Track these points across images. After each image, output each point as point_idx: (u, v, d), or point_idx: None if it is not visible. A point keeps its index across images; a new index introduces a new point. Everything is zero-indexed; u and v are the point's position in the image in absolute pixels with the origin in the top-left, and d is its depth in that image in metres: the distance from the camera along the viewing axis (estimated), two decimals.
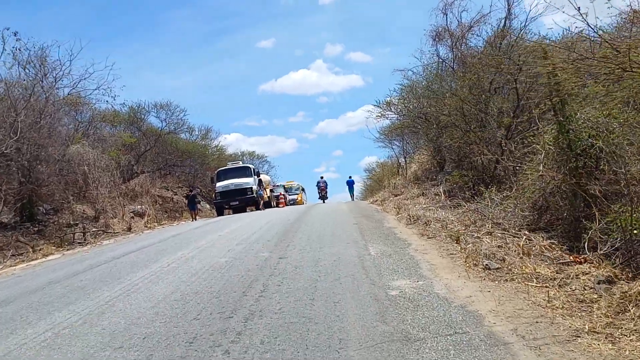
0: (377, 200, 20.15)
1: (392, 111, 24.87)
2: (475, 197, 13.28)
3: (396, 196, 19.14)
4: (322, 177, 38.36)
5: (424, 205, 14.66)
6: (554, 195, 9.60)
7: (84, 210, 22.21)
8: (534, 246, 8.04)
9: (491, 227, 9.93)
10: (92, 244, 16.36)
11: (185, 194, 28.40)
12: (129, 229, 20.33)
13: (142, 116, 31.91)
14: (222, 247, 9.81)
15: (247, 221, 15.97)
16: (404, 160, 34.18)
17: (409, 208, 13.95)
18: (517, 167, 11.90)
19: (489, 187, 13.25)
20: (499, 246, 8.14)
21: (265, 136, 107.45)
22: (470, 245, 7.85)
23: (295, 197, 42.41)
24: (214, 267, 7.59)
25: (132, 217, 25.27)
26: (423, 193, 17.45)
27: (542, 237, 8.77)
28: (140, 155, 31.79)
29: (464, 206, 12.69)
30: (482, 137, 13.90)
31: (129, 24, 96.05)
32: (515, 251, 7.84)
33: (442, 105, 17.09)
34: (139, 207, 26.36)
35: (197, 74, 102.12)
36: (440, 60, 20.06)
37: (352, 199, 37.52)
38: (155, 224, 23.71)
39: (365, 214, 14.71)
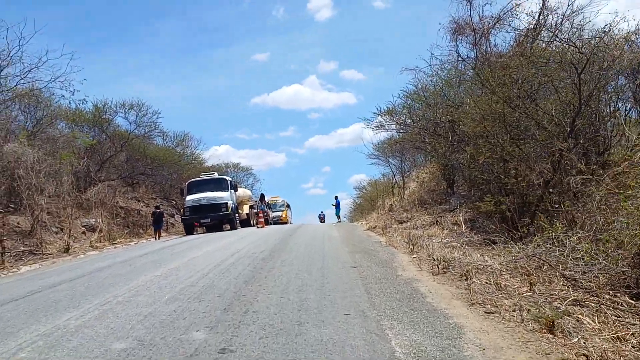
0: (376, 227, 16.42)
1: (393, 120, 21.32)
2: (518, 233, 9.68)
3: (401, 223, 15.47)
4: (322, 212, 43.98)
5: (444, 240, 11.03)
6: None
7: (18, 223, 18.27)
8: None
9: (564, 285, 6.38)
10: (5, 271, 12.44)
11: (152, 211, 24.53)
12: (67, 250, 16.39)
13: (109, 116, 27.92)
14: (141, 305, 6.04)
15: (209, 249, 12.19)
16: (401, 178, 30.73)
17: (426, 244, 10.28)
18: (591, 193, 8.33)
19: (538, 219, 9.71)
20: (622, 338, 4.52)
21: (255, 149, 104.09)
22: (581, 341, 4.20)
23: (279, 213, 38.89)
24: None
25: (84, 233, 21.45)
26: (437, 221, 13.80)
27: None
28: (105, 161, 27.86)
29: (505, 245, 9.11)
30: (525, 152, 10.34)
31: (120, 31, 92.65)
32: None
33: (463, 113, 13.58)
34: (93, 220, 22.46)
35: (188, 84, 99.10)
36: (460, 59, 16.54)
37: (339, 220, 34.44)
38: (107, 242, 19.78)
39: (365, 248, 11.01)
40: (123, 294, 6.87)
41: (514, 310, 5.14)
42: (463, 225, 12.50)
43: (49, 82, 20.71)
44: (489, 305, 5.33)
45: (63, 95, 22.80)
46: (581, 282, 6.53)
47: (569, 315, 5.13)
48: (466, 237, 11.08)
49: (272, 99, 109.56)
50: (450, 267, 7.58)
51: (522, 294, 5.99)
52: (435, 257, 8.22)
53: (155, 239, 21.76)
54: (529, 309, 5.08)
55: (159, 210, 23.72)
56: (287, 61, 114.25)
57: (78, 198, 23.02)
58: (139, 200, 30.66)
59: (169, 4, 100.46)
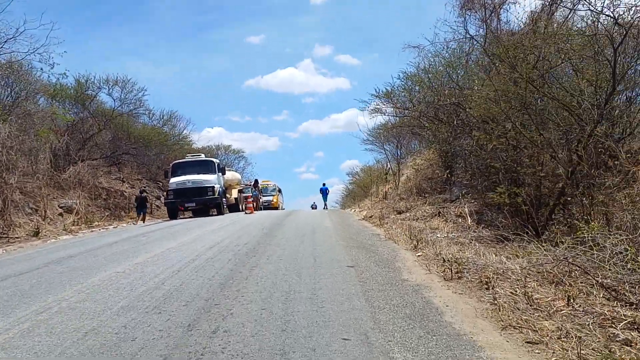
0: (372, 217, 15.25)
1: (391, 103, 20.02)
2: (535, 230, 8.56)
3: (399, 213, 14.30)
4: (314, 203, 45.01)
5: (450, 235, 9.87)
6: None
7: None
8: None
9: (605, 298, 5.24)
10: None
11: (135, 195, 23.32)
12: (37, 234, 15.14)
13: (92, 92, 26.40)
14: (86, 316, 4.85)
15: (188, 239, 10.98)
16: (396, 165, 29.53)
17: (430, 239, 9.13)
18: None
19: (560, 213, 8.63)
20: None
21: (248, 132, 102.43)
22: None
23: (270, 198, 37.74)
24: None
25: (61, 215, 20.16)
26: (439, 213, 12.65)
27: None
28: (87, 139, 26.38)
29: (521, 244, 7.97)
30: (547, 138, 9.16)
31: (113, 10, 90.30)
32: None
33: (473, 94, 12.35)
34: (71, 201, 21.15)
35: (181, 64, 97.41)
36: (469, 36, 15.19)
37: (326, 208, 33.66)
38: (84, 225, 18.52)
39: (362, 242, 9.83)
40: (70, 297, 5.66)
41: (560, 338, 3.99)
42: (469, 218, 11.36)
43: (27, 54, 19.33)
44: (527, 330, 4.16)
45: (42, 69, 21.33)
46: (626, 295, 5.38)
47: (625, 345, 3.99)
48: (474, 232, 9.94)
49: (266, 82, 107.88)
50: (465, 270, 6.42)
51: (561, 310, 4.84)
52: (444, 257, 7.06)
53: (136, 223, 20.58)
54: (580, 337, 3.93)
55: (142, 195, 22.53)
56: (282, 44, 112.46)
57: (56, 177, 21.71)
58: (123, 181, 29.31)
59: None
